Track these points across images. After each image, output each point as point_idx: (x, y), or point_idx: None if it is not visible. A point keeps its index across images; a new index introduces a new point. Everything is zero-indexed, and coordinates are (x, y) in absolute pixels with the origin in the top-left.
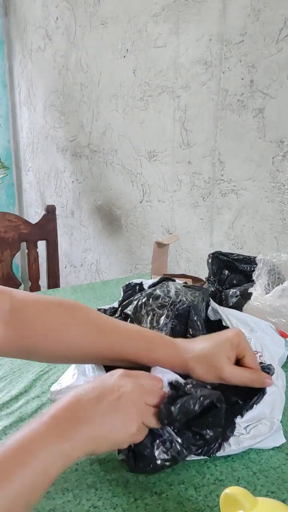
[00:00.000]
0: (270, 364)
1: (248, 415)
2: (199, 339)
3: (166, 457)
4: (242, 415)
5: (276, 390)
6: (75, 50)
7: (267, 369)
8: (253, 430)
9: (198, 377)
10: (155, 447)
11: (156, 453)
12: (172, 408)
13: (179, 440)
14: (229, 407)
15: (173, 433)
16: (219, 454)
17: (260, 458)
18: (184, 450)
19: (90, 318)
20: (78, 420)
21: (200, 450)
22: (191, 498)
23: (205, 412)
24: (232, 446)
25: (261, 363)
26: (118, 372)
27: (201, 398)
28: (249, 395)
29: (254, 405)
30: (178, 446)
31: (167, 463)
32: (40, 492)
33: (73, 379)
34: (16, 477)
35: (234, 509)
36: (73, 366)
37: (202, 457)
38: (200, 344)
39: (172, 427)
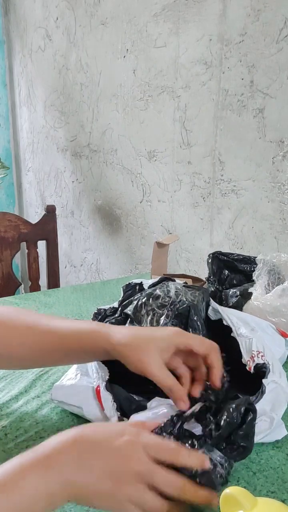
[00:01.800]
0: (264, 363)
1: None
2: (137, 327)
3: (221, 481)
4: None
5: (276, 387)
6: (75, 50)
7: (263, 368)
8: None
9: (125, 363)
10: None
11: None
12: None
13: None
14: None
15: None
16: None
17: (260, 458)
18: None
19: (28, 326)
20: (70, 465)
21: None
22: None
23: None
24: None
25: (257, 364)
26: (127, 428)
27: (238, 407)
28: (249, 390)
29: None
30: (227, 467)
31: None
32: None
33: (76, 379)
34: None
35: (234, 509)
36: (75, 366)
37: None
38: (135, 332)
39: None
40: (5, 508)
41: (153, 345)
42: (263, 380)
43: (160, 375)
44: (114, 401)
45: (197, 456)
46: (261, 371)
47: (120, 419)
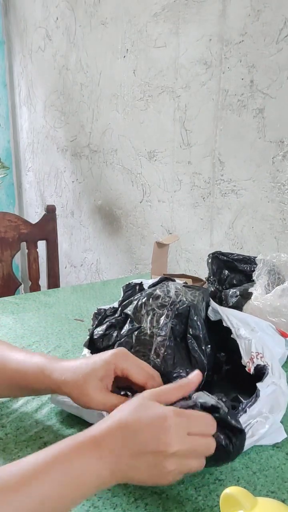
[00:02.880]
0: (264, 365)
1: (246, 415)
2: (78, 360)
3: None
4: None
5: (276, 389)
6: (75, 50)
7: (262, 370)
8: (251, 430)
9: (72, 400)
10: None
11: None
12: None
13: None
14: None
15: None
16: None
17: (260, 457)
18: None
19: None
20: (117, 453)
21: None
22: (191, 498)
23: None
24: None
25: (258, 365)
26: (168, 414)
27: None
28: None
29: (247, 408)
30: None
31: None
32: (65, 504)
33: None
34: (45, 481)
35: (234, 509)
36: None
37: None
38: (76, 368)
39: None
40: (57, 480)
41: (91, 378)
42: (258, 384)
43: (103, 404)
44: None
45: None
46: (261, 373)
47: None
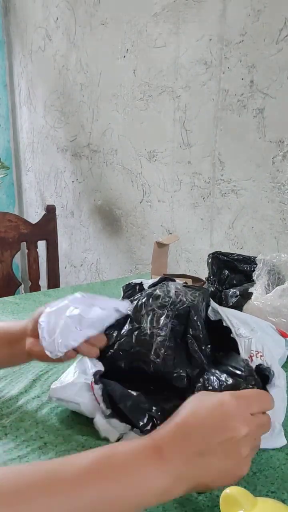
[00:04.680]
0: (269, 367)
1: None
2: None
3: None
4: None
5: (278, 391)
6: (75, 50)
7: (267, 372)
8: None
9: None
10: None
11: None
12: None
13: None
14: None
15: None
16: None
17: (260, 458)
18: None
19: None
20: (183, 455)
21: None
22: (191, 498)
23: None
24: None
25: (260, 364)
26: (226, 398)
27: None
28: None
29: None
30: None
31: None
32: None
33: (74, 376)
34: (97, 490)
35: (234, 509)
36: (74, 364)
37: None
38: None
39: None
40: (110, 489)
41: (25, 335)
42: (268, 386)
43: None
44: (102, 393)
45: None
46: (264, 374)
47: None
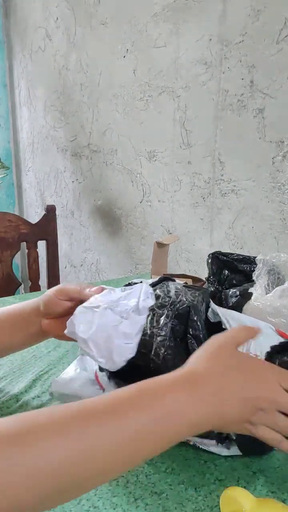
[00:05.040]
0: None
1: None
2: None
3: None
4: None
5: None
6: (75, 50)
7: None
8: None
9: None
10: None
11: None
12: None
13: None
14: None
15: None
16: (220, 454)
17: (260, 458)
18: None
19: None
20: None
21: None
22: (191, 498)
23: None
24: (233, 448)
25: None
26: (271, 366)
27: None
28: None
29: None
30: None
31: None
32: (154, 444)
33: (75, 373)
34: (132, 418)
35: (234, 509)
36: (74, 362)
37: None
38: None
39: None
40: (148, 415)
41: (44, 314)
42: None
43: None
44: (109, 377)
45: None
46: None
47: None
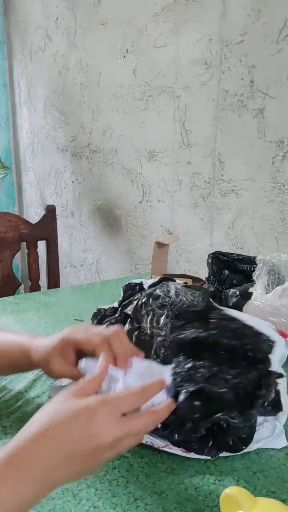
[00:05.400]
0: (280, 373)
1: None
2: (48, 339)
3: None
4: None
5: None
6: (75, 50)
7: (277, 376)
8: (256, 434)
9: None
10: None
11: None
12: None
13: None
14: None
15: None
16: (220, 454)
17: (260, 458)
18: None
19: None
20: (42, 464)
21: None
22: (191, 498)
23: None
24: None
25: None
26: (91, 404)
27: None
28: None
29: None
30: None
31: None
32: None
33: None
34: None
35: (234, 509)
36: None
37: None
38: (44, 346)
39: None
40: None
41: (52, 356)
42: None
43: (63, 375)
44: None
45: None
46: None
47: None
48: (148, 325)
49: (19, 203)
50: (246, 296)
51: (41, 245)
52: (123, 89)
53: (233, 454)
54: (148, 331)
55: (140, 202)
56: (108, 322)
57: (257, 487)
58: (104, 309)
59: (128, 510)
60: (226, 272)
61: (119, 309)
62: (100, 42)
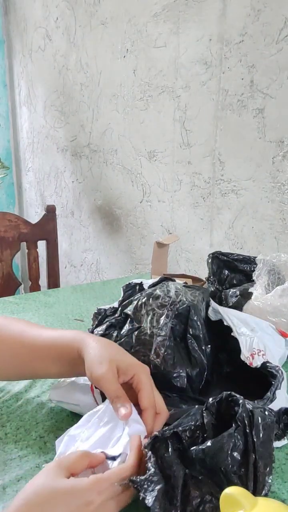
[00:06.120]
0: (277, 366)
1: None
2: (107, 351)
3: None
4: None
5: (280, 392)
6: (75, 50)
7: (274, 371)
8: None
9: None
10: None
11: None
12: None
13: None
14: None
15: None
16: None
17: None
18: None
19: (15, 337)
20: None
21: None
22: None
23: None
24: None
25: (267, 362)
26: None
27: None
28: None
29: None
30: None
31: None
32: None
33: (73, 379)
34: None
35: (234, 509)
36: None
37: None
38: (99, 360)
39: None
40: None
41: (108, 376)
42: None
43: (114, 394)
44: (101, 394)
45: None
46: (272, 374)
47: None
48: (148, 325)
49: (19, 203)
50: (246, 296)
51: (41, 245)
52: (123, 89)
53: None
54: (148, 331)
55: (140, 202)
56: (108, 322)
57: None
58: (104, 309)
59: (128, 510)
60: (226, 272)
61: (119, 309)
62: (100, 42)
